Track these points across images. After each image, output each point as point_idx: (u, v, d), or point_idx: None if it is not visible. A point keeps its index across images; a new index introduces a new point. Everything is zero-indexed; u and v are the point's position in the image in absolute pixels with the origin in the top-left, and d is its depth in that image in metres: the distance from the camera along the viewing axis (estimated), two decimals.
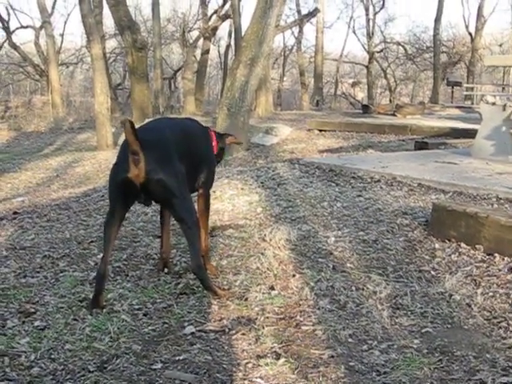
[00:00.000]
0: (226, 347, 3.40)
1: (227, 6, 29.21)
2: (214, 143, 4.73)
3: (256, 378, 3.06)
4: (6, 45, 34.87)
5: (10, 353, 3.29)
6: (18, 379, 3.02)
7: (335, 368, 3.13)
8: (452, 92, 31.08)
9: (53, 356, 3.27)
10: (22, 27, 35.00)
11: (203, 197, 4.54)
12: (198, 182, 4.42)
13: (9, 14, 34.92)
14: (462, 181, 6.74)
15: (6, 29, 33.26)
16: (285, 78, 43.63)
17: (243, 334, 3.55)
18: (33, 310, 3.88)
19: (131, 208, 4.60)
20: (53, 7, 34.00)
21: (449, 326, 3.65)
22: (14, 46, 33.38)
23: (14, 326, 3.64)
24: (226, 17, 30.27)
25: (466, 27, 38.12)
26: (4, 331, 3.57)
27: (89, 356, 3.28)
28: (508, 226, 4.57)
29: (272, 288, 4.22)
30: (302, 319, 3.75)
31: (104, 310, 3.85)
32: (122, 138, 4.00)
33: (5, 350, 3.31)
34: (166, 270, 4.59)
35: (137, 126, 3.90)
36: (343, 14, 79.52)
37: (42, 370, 3.12)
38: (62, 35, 37.86)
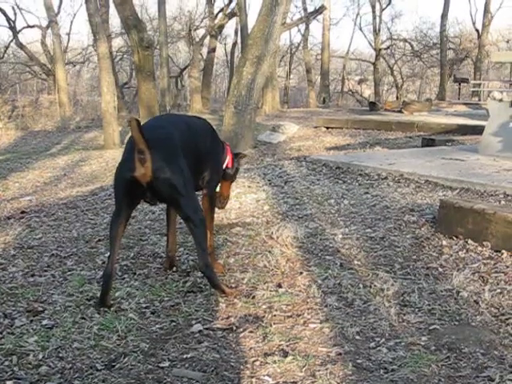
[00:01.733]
0: (233, 345, 3.40)
1: (233, 4, 29.28)
2: (230, 157, 4.72)
3: (263, 375, 3.06)
4: (12, 44, 35.00)
5: (18, 351, 3.30)
6: (26, 378, 3.02)
7: (343, 365, 3.13)
8: (459, 88, 31.02)
9: (61, 354, 3.27)
10: (29, 26, 35.13)
11: (208, 196, 4.52)
12: (202, 181, 4.41)
13: (15, 14, 35.17)
14: (470, 177, 6.73)
15: (13, 28, 33.37)
16: (291, 76, 43.63)
17: (251, 332, 3.55)
18: (41, 309, 3.88)
19: (138, 206, 4.61)
20: (59, 6, 34.14)
21: (456, 322, 3.64)
22: (21, 46, 33.48)
23: (22, 325, 3.64)
24: (232, 15, 30.33)
25: (473, 23, 38.14)
26: (12, 330, 3.58)
27: (97, 354, 3.28)
28: None
29: (279, 286, 4.22)
30: (309, 317, 3.75)
31: (112, 309, 3.85)
32: (129, 136, 4.00)
33: (13, 349, 3.31)
34: (173, 268, 4.59)
35: (143, 122, 3.90)
36: (349, 10, 79.95)
37: (50, 369, 3.12)
38: (68, 34, 38.09)
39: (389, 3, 39.67)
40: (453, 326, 3.60)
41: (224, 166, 4.67)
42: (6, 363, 3.17)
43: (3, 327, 3.62)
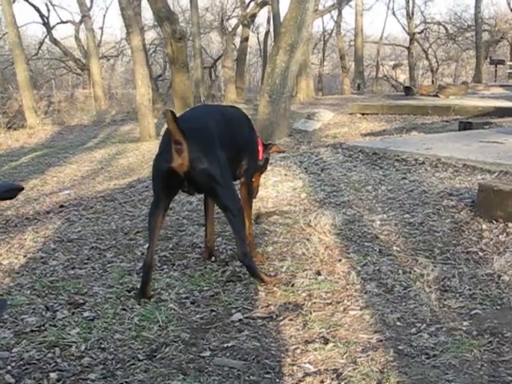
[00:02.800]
0: (273, 333, 3.41)
1: None
2: (261, 148, 4.72)
3: (304, 363, 3.06)
4: (47, 40, 35.32)
5: (60, 343, 3.33)
6: (69, 369, 3.06)
7: (384, 352, 3.12)
8: (495, 70, 30.70)
9: (103, 346, 3.31)
10: (62, 22, 35.47)
11: (245, 185, 4.52)
12: (239, 170, 4.41)
13: (48, 10, 35.55)
14: (509, 160, 6.64)
15: (47, 25, 33.67)
16: (325, 63, 43.44)
17: (291, 320, 3.55)
18: (82, 301, 3.92)
19: (176, 197, 4.63)
20: (91, 1, 34.43)
21: (498, 307, 3.61)
22: (55, 42, 33.79)
23: (63, 317, 3.69)
24: (264, 3, 30.25)
25: (508, 4, 37.60)
26: (54, 322, 3.62)
27: (138, 345, 3.31)
28: None
29: (318, 273, 4.21)
30: (349, 304, 3.74)
31: (152, 300, 3.88)
32: (164, 128, 4.01)
33: (55, 341, 3.35)
34: (211, 258, 4.60)
35: (178, 114, 3.91)
36: None
37: (92, 360, 3.15)
38: (101, 28, 38.28)
39: None
40: (494, 310, 3.57)
41: None
42: (49, 355, 3.21)
43: (46, 320, 3.67)
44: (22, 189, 2.68)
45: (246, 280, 4.13)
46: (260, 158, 4.71)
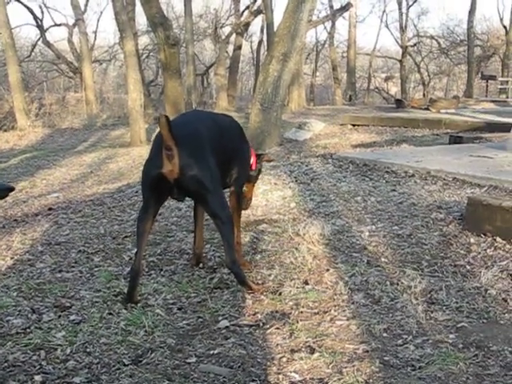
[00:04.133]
0: (260, 341, 3.40)
1: (259, 2, 29.20)
2: (254, 159, 4.71)
3: (290, 372, 3.06)
4: (39, 43, 35.27)
5: (46, 346, 3.32)
6: (54, 372, 3.05)
7: (370, 362, 3.12)
8: (486, 86, 30.73)
9: (88, 349, 3.30)
10: (56, 25, 35.40)
11: (235, 194, 4.52)
12: (229, 178, 4.40)
13: (42, 12, 35.46)
14: (498, 175, 6.67)
15: (40, 27, 33.62)
16: (317, 73, 43.53)
17: (277, 329, 3.55)
18: (68, 305, 3.91)
19: (165, 203, 4.62)
20: (86, 5, 34.36)
21: (484, 320, 3.61)
22: (48, 44, 33.74)
23: (49, 320, 3.68)
24: (258, 12, 30.30)
25: (501, 20, 37.70)
26: (40, 325, 3.61)
27: (124, 350, 3.30)
28: None
29: (306, 282, 4.21)
30: (336, 314, 3.74)
31: (139, 305, 3.87)
32: (155, 134, 4.01)
33: (41, 344, 3.35)
34: (199, 264, 4.60)
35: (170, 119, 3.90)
36: (376, 7, 79.34)
37: (77, 364, 3.14)
38: (95, 32, 38.22)
39: (415, 0, 39.45)
40: (481, 323, 3.58)
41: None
42: (34, 358, 3.20)
43: (31, 322, 3.66)
44: (13, 189, 2.67)
45: (234, 287, 4.13)
46: (253, 168, 4.70)
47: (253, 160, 4.68)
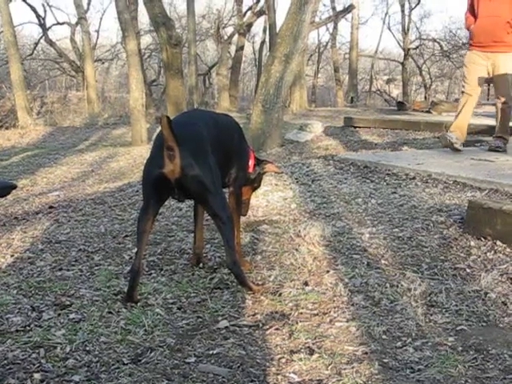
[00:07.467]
0: (259, 342, 3.40)
1: (262, 2, 29.29)
2: (252, 162, 4.69)
3: (289, 372, 3.05)
4: (42, 41, 35.35)
5: (45, 344, 3.32)
6: (54, 370, 3.05)
7: (369, 364, 3.12)
8: (488, 89, 30.67)
9: (88, 348, 3.29)
10: (58, 24, 35.54)
11: (234, 194, 4.51)
12: (228, 178, 4.40)
13: (45, 11, 35.43)
14: (499, 178, 6.66)
15: (42, 25, 33.70)
16: (319, 75, 43.58)
17: (277, 329, 3.55)
18: (68, 303, 3.91)
19: (165, 203, 4.62)
20: (88, 4, 34.55)
21: (484, 324, 3.61)
22: (50, 43, 33.81)
23: (49, 318, 3.67)
24: (260, 13, 30.35)
25: None
26: (40, 323, 3.61)
27: (123, 348, 3.30)
28: None
29: (306, 284, 4.21)
30: (335, 315, 3.74)
31: (138, 304, 3.87)
32: (156, 133, 4.01)
33: (40, 342, 3.34)
34: (200, 264, 4.60)
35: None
36: (378, 10, 79.77)
37: (77, 362, 3.14)
38: (97, 31, 38.34)
39: (418, 3, 39.42)
40: (480, 327, 3.58)
41: None
42: (34, 356, 3.20)
43: (31, 320, 3.66)
44: (16, 187, 2.68)
45: (234, 288, 4.13)
46: (251, 170, 4.68)
47: (251, 162, 4.67)
